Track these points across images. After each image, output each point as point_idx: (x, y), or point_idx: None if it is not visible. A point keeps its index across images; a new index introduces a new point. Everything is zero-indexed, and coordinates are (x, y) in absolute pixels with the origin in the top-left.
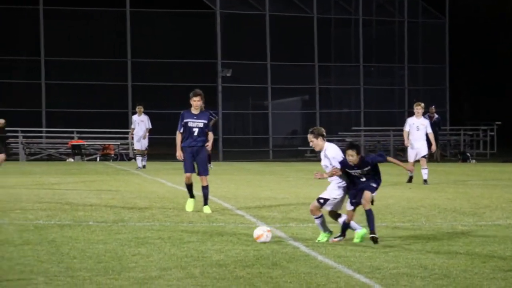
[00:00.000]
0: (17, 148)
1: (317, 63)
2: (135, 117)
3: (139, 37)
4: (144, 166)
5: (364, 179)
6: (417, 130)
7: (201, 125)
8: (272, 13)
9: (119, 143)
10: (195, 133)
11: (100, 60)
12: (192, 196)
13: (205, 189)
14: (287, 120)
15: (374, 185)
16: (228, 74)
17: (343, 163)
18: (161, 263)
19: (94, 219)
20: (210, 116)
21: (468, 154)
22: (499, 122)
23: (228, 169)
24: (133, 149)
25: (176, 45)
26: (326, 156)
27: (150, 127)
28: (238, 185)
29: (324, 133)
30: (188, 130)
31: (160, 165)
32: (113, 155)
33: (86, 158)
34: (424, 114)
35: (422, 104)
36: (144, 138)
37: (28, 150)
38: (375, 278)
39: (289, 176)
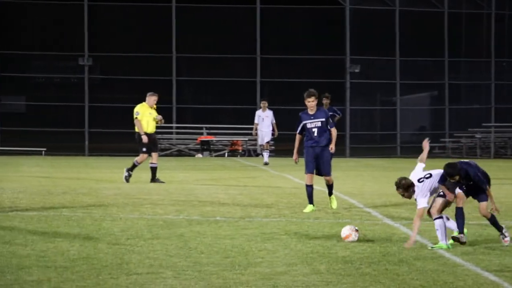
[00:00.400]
0: None
1: (447, 58)
2: (259, 112)
3: (269, 33)
4: (266, 163)
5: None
6: None
7: (319, 124)
8: (402, 8)
9: (247, 139)
10: (315, 133)
11: (229, 56)
12: (311, 202)
13: (329, 187)
14: (415, 116)
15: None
16: (356, 70)
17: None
18: (287, 259)
19: (222, 215)
20: (334, 113)
21: None
22: None
23: (355, 166)
24: (259, 145)
25: (305, 40)
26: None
27: (274, 122)
28: (365, 181)
29: (410, 183)
30: (307, 132)
31: (286, 160)
32: (241, 151)
33: (214, 154)
34: None
35: None
36: (268, 133)
37: (159, 145)
38: (504, 276)
39: None
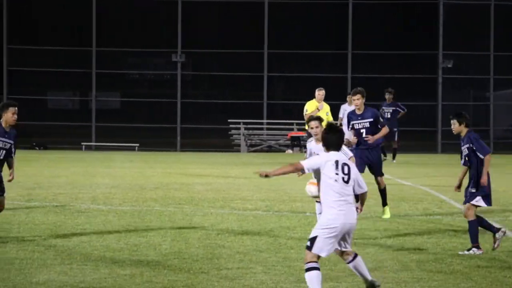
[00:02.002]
0: (239, 139)
1: None
2: (345, 106)
3: (360, 29)
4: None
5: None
6: None
7: (367, 124)
8: (497, 3)
9: None
10: (363, 134)
11: (320, 52)
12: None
13: (382, 191)
14: (509, 111)
15: (473, 190)
16: (449, 65)
17: None
18: (377, 255)
19: (311, 210)
20: (397, 108)
21: None
22: None
23: (447, 161)
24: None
25: (395, 36)
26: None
27: None
28: (456, 177)
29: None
30: (356, 132)
31: None
32: None
33: (304, 150)
34: None
35: None
36: None
37: (249, 141)
38: None
39: (511, 169)
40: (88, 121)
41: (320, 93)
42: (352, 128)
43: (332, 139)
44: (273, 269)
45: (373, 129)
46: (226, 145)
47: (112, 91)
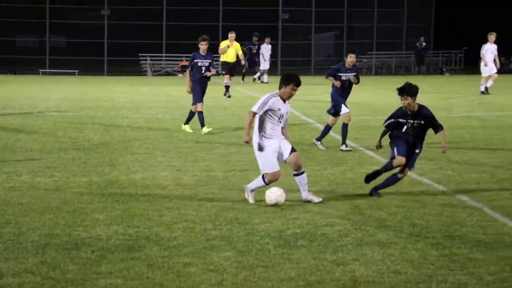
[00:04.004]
0: (146, 67)
1: (346, 8)
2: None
3: None
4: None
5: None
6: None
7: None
8: None
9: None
10: (203, 71)
11: (204, 8)
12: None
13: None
14: (324, 47)
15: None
16: (286, 17)
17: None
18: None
19: (193, 111)
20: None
21: (444, 69)
22: (466, 47)
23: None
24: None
25: None
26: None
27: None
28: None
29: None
30: (196, 68)
31: None
32: None
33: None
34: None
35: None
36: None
37: (153, 68)
38: None
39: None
40: (44, 55)
41: (231, 35)
42: (195, 65)
43: None
44: (168, 151)
45: (209, 68)
46: (138, 71)
47: (61, 35)
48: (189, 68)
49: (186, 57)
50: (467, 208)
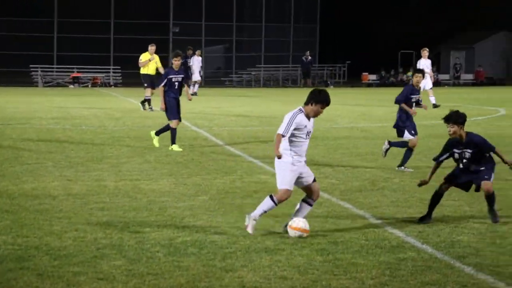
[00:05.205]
0: (37, 78)
1: (235, 23)
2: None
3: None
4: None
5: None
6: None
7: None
8: None
9: (103, 75)
10: (176, 86)
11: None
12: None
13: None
14: (214, 61)
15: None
16: (176, 30)
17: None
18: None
19: (85, 124)
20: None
21: (329, 82)
22: (349, 62)
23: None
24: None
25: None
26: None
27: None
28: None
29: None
30: (171, 84)
31: None
32: (99, 83)
33: (81, 85)
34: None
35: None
36: None
37: (44, 79)
38: None
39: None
40: None
41: (152, 48)
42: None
43: None
44: (59, 161)
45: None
46: (29, 82)
47: None
48: (163, 85)
49: (77, 69)
50: (350, 215)
